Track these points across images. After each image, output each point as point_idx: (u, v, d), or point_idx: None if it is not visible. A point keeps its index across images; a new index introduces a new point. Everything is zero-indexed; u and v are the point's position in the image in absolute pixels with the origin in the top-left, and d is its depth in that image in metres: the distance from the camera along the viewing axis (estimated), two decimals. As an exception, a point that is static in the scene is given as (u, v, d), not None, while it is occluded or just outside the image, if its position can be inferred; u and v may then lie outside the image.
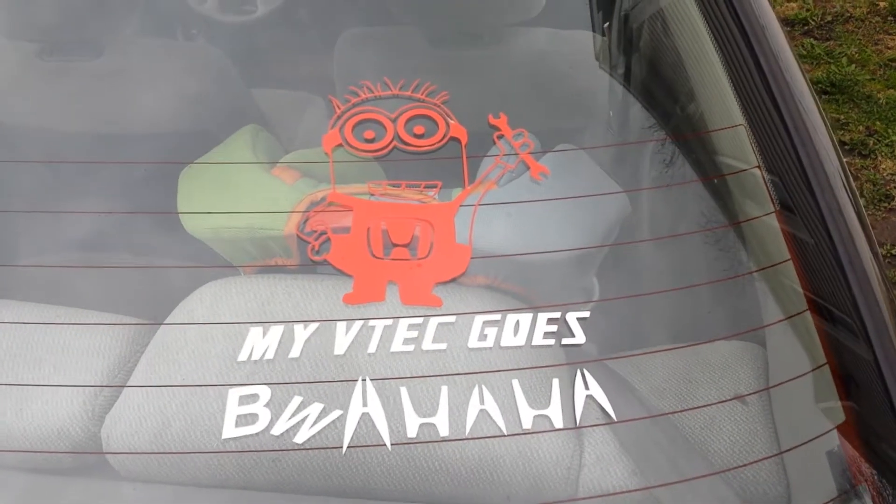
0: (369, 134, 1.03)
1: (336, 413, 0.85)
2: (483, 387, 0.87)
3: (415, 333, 0.89)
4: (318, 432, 0.84)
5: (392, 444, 0.84)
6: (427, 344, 0.89)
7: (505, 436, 0.85)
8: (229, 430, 0.84)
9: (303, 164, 1.09)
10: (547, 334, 0.90)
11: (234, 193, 1.08)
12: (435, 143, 1.03)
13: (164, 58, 1.46)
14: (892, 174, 3.12)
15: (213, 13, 1.95)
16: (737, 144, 1.09)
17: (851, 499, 0.85)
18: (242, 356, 0.89)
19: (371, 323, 0.90)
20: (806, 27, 4.04)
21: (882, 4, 4.13)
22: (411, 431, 0.84)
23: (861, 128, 3.35)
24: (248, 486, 0.87)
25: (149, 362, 0.93)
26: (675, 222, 1.12)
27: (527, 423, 0.85)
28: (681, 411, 0.90)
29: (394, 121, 1.04)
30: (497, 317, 0.91)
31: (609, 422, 0.87)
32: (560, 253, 1.00)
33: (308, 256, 0.97)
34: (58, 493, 0.91)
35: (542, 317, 0.91)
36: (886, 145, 3.25)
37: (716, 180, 1.10)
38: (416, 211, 0.99)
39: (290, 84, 1.65)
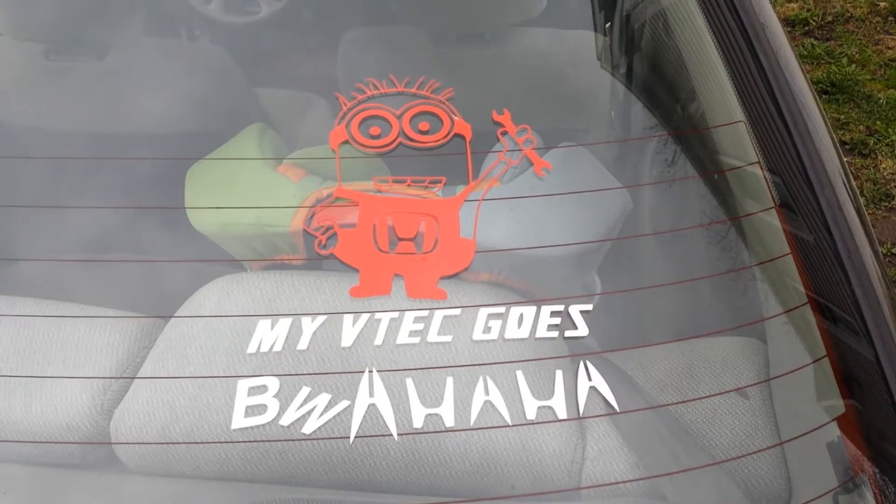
0: (375, 130, 1.04)
1: (343, 404, 0.86)
2: (487, 378, 0.88)
3: (420, 326, 0.91)
4: (326, 423, 0.85)
5: (398, 435, 0.85)
6: (432, 336, 0.90)
7: (509, 426, 0.86)
8: (238, 421, 0.85)
9: (309, 162, 1.10)
10: (550, 327, 0.91)
11: (241, 190, 1.09)
12: (440, 140, 1.04)
13: (168, 58, 1.47)
14: (893, 173, 3.13)
15: (218, 14, 1.96)
16: (738, 142, 1.10)
17: (851, 489, 0.86)
18: (251, 349, 0.90)
19: (377, 315, 0.91)
20: (806, 27, 4.05)
21: (882, 4, 4.14)
22: (417, 422, 0.85)
23: (861, 127, 3.36)
24: (255, 478, 0.88)
25: (157, 357, 0.94)
26: (677, 218, 1.13)
27: (531, 414, 0.86)
28: (682, 402, 0.91)
29: (399, 117, 1.05)
30: (501, 310, 0.92)
31: (611, 413, 0.88)
32: (562, 248, 1.01)
33: (315, 251, 0.98)
34: (67, 487, 0.92)
35: (546, 310, 0.92)
36: (887, 145, 3.25)
37: (716, 177, 1.11)
38: (422, 206, 1.00)
39: (294, 84, 1.66)
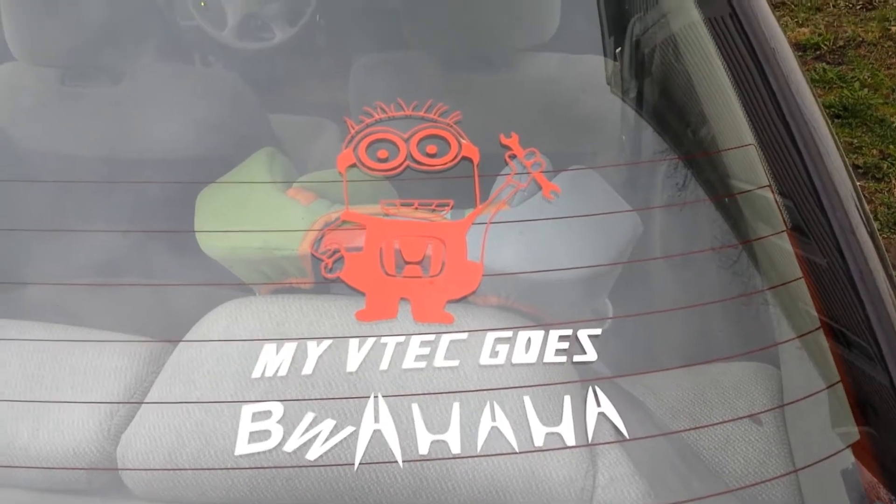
0: (382, 153, 1.04)
1: (348, 430, 0.85)
2: (495, 404, 0.87)
3: (427, 350, 0.90)
4: (331, 449, 0.85)
5: (403, 461, 0.84)
6: (439, 361, 0.89)
7: (517, 453, 0.85)
8: (242, 447, 0.84)
9: (318, 185, 1.10)
10: (559, 351, 0.90)
11: (250, 214, 1.09)
12: (447, 163, 1.04)
13: (182, 84, 1.49)
14: (907, 197, 3.11)
15: (231, 40, 1.98)
16: (749, 166, 1.09)
17: (866, 518, 0.84)
18: (256, 373, 0.89)
19: (383, 340, 0.91)
20: (818, 52, 4.05)
21: (894, 29, 4.14)
22: (423, 448, 0.84)
23: (875, 151, 3.34)
24: None
25: (165, 381, 0.94)
26: (687, 242, 1.12)
27: (538, 441, 0.85)
28: (694, 429, 0.90)
29: (406, 140, 1.05)
30: (509, 334, 0.91)
31: (621, 440, 0.87)
32: (572, 272, 1.00)
33: (322, 275, 0.98)
34: None
35: (554, 334, 0.91)
36: (901, 169, 3.24)
37: (727, 200, 1.10)
38: (429, 229, 1.00)
39: (306, 109, 1.67)
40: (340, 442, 0.85)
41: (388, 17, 1.58)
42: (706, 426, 0.90)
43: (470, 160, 1.04)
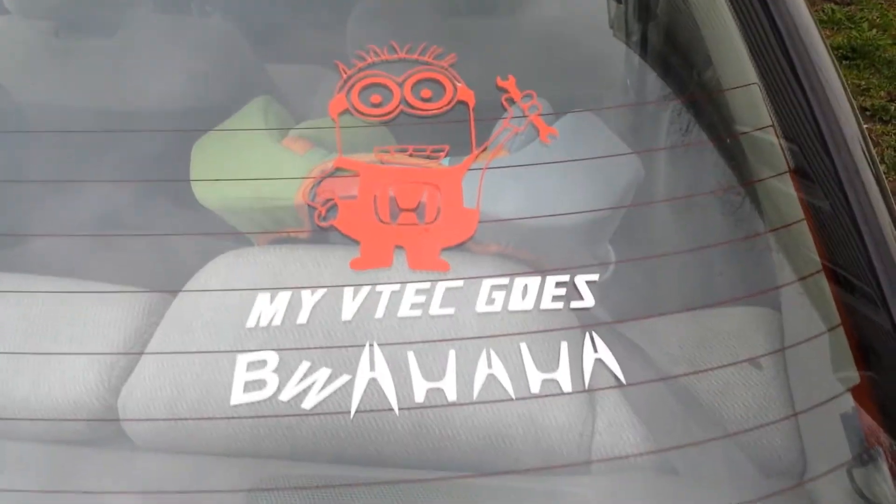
0: (376, 98, 1.02)
1: (344, 378, 0.85)
2: (491, 351, 0.87)
3: (422, 298, 0.89)
4: (326, 398, 0.85)
5: (400, 409, 0.84)
6: (434, 309, 0.89)
7: (513, 400, 0.85)
8: (237, 397, 0.85)
9: (312, 133, 1.09)
10: (556, 298, 0.89)
11: (246, 163, 1.08)
12: (442, 107, 1.02)
13: (178, 34, 1.46)
14: (915, 140, 3.08)
15: (224, -14, 1.94)
16: (753, 108, 1.07)
17: (866, 461, 0.84)
18: (250, 323, 0.89)
19: (378, 288, 0.90)
20: (827, -8, 3.97)
21: (905, -33, 4.05)
22: (419, 396, 0.84)
23: (882, 93, 3.30)
24: (259, 453, 0.87)
25: (164, 333, 0.94)
26: (689, 186, 1.10)
27: (535, 387, 0.85)
28: (694, 374, 0.90)
29: (400, 84, 1.03)
30: (505, 281, 0.91)
31: (619, 385, 0.87)
32: (571, 217, 0.99)
33: (315, 223, 0.97)
34: (75, 463, 0.92)
35: (551, 280, 0.90)
36: (909, 111, 3.20)
37: (730, 142, 1.08)
38: (424, 175, 0.98)
39: (303, 58, 1.64)
40: (336, 391, 0.85)
41: None
42: (705, 371, 0.90)
43: (465, 104, 1.02)
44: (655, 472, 0.87)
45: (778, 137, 1.01)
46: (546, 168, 1.00)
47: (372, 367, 0.86)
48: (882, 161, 2.97)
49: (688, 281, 1.00)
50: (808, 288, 0.95)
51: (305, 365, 0.86)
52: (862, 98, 3.28)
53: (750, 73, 1.09)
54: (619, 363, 0.87)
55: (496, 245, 0.99)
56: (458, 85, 1.03)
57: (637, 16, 1.42)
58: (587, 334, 0.88)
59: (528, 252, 1.00)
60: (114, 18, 1.39)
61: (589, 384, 0.86)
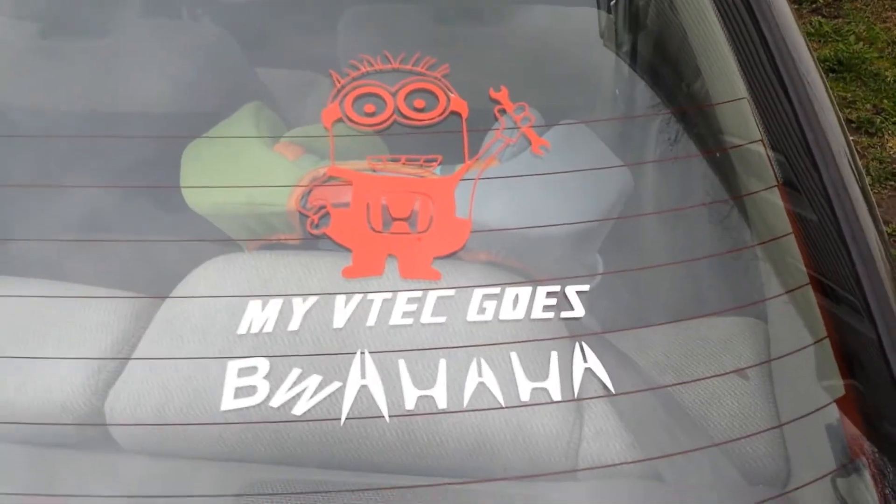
0: (369, 108, 1.03)
1: (335, 385, 0.85)
2: (481, 359, 0.87)
3: (414, 307, 0.90)
4: (317, 404, 0.85)
5: (390, 416, 0.84)
6: (426, 317, 0.89)
7: (503, 408, 0.85)
8: (228, 402, 0.85)
9: (304, 140, 1.09)
10: (546, 307, 0.90)
11: (236, 169, 1.08)
12: (435, 117, 1.03)
13: (168, 37, 1.46)
14: (900, 153, 3.11)
15: (217, -8, 1.94)
16: (742, 121, 1.08)
17: (850, 472, 0.85)
18: (241, 329, 0.89)
19: (370, 296, 0.90)
20: (814, 5, 4.01)
21: (891, -18, 4.09)
22: (409, 404, 0.85)
23: (868, 106, 3.33)
24: (248, 458, 0.87)
25: (152, 337, 0.94)
26: (678, 198, 1.11)
27: (525, 396, 0.86)
28: (681, 383, 0.90)
29: (394, 94, 1.04)
30: (496, 290, 0.91)
31: (608, 394, 0.88)
32: (561, 228, 1.00)
33: (308, 231, 0.97)
34: (62, 467, 0.92)
35: (542, 290, 0.91)
36: (893, 123, 3.23)
37: (719, 155, 1.10)
38: (416, 185, 0.99)
39: (294, 63, 1.64)
40: (327, 397, 0.85)
41: None
42: (693, 380, 0.91)
43: (458, 115, 1.03)
44: (642, 479, 0.88)
45: (766, 150, 1.02)
46: (537, 179, 1.01)
47: (363, 375, 0.86)
48: (868, 173, 3.00)
49: (676, 291, 1.01)
50: (794, 299, 0.96)
51: (296, 372, 0.86)
52: (848, 110, 3.31)
53: (739, 85, 1.10)
54: (608, 372, 0.88)
55: (485, 254, 1.00)
56: (452, 95, 1.04)
57: (627, 27, 1.44)
58: (577, 344, 0.89)
59: (517, 261, 1.01)
60: (103, 21, 1.38)
61: (578, 393, 0.87)
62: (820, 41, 3.73)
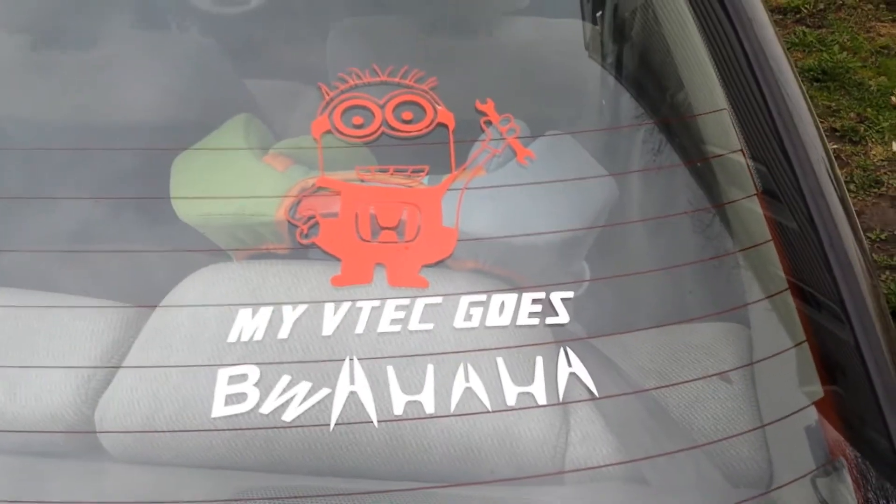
0: (357, 120, 1.04)
1: (324, 392, 0.87)
2: (468, 365, 0.88)
3: (402, 314, 0.91)
4: (307, 410, 0.86)
5: (379, 422, 0.86)
6: (413, 324, 0.91)
7: (490, 412, 0.87)
8: (219, 409, 0.86)
9: (294, 151, 1.10)
10: (532, 314, 0.91)
11: (226, 180, 1.09)
12: (423, 129, 1.04)
13: (157, 49, 1.47)
14: (883, 160, 3.14)
15: (207, 5, 1.95)
16: (723, 131, 1.10)
17: (830, 472, 0.87)
18: (232, 338, 0.90)
19: (358, 304, 0.92)
20: (798, 15, 4.05)
21: (874, -8, 4.14)
22: (398, 409, 0.86)
23: (852, 114, 3.37)
24: (238, 466, 0.88)
25: (141, 346, 0.95)
26: (661, 206, 1.13)
27: (511, 400, 0.87)
28: (664, 387, 0.92)
29: (382, 107, 1.05)
30: (483, 297, 0.93)
31: (592, 398, 0.89)
32: (547, 237, 1.02)
33: (297, 241, 0.98)
34: (51, 475, 0.92)
35: (527, 297, 0.92)
36: (877, 132, 3.26)
37: (700, 165, 1.12)
38: (404, 195, 1.00)
39: (283, 75, 1.65)
40: (316, 404, 0.86)
41: None
42: (676, 384, 0.92)
43: (445, 126, 1.05)
44: (627, 482, 0.89)
45: (746, 160, 1.04)
46: (523, 189, 1.02)
47: (352, 381, 0.87)
48: (851, 181, 3.03)
49: (660, 297, 1.03)
50: (775, 305, 0.98)
51: (286, 379, 0.87)
52: (832, 119, 3.35)
53: (720, 97, 1.12)
54: (592, 377, 0.89)
55: (472, 262, 1.01)
56: (439, 108, 1.06)
57: (612, 39, 1.46)
58: (562, 349, 0.90)
59: (503, 269, 1.02)
60: (93, 33, 1.39)
61: (563, 397, 0.88)
62: (804, 51, 3.77)
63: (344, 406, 0.86)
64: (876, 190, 3.01)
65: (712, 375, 0.93)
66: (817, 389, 0.91)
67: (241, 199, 1.04)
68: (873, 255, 2.70)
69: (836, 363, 0.93)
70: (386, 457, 0.87)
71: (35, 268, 1.06)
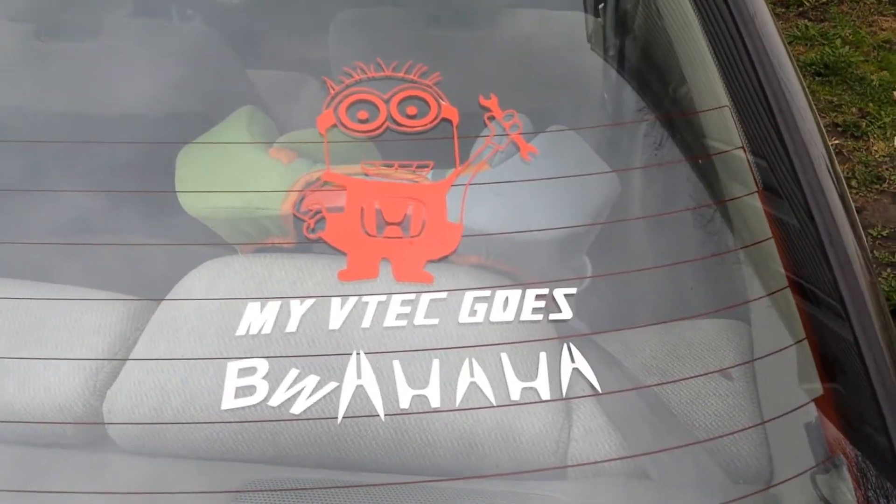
0: (362, 114, 1.05)
1: (331, 385, 0.88)
2: (473, 360, 0.89)
3: (407, 309, 0.92)
4: (314, 403, 0.87)
5: (385, 415, 0.87)
6: (419, 319, 0.91)
7: (494, 407, 0.87)
8: (228, 402, 0.87)
9: (299, 145, 1.11)
10: (535, 310, 0.92)
11: (231, 173, 1.10)
12: (427, 124, 1.05)
13: (160, 39, 1.47)
14: (884, 156, 3.14)
15: (211, -5, 1.95)
16: (724, 127, 1.10)
17: (829, 469, 0.88)
18: (240, 331, 0.91)
19: (365, 299, 0.92)
20: (801, 8, 4.04)
21: (877, -14, 4.13)
22: (404, 403, 0.87)
23: (854, 109, 3.37)
24: (245, 458, 0.89)
25: (149, 339, 0.95)
26: (663, 202, 1.14)
27: (515, 395, 0.88)
28: (666, 383, 0.93)
29: (387, 101, 1.06)
30: (487, 293, 0.93)
31: (595, 394, 0.90)
32: (549, 232, 1.02)
33: (304, 235, 0.99)
34: (60, 466, 0.93)
35: (531, 293, 0.93)
36: (879, 127, 3.26)
37: (702, 161, 1.12)
38: (409, 190, 1.01)
39: (286, 66, 1.65)
40: (324, 397, 0.87)
41: None
42: (678, 380, 0.93)
43: (449, 121, 1.05)
44: (629, 477, 0.90)
45: (748, 156, 1.05)
46: (526, 184, 1.03)
47: (359, 375, 0.88)
48: (853, 177, 3.03)
49: (661, 294, 1.03)
50: (775, 302, 0.98)
51: (294, 372, 0.88)
52: (834, 114, 3.34)
53: (721, 93, 1.12)
54: (595, 373, 0.90)
55: (476, 257, 1.02)
56: (443, 103, 1.06)
57: (615, 33, 1.46)
58: (565, 345, 0.91)
59: (506, 264, 1.03)
60: (96, 22, 1.39)
61: (566, 393, 0.89)
62: (806, 45, 3.77)
63: (351, 399, 0.87)
64: (877, 186, 3.01)
65: (713, 372, 0.94)
66: (817, 387, 0.92)
67: (247, 192, 1.05)
68: (874, 251, 2.71)
69: (835, 361, 0.94)
70: (391, 450, 0.88)
71: (42, 260, 1.06)
